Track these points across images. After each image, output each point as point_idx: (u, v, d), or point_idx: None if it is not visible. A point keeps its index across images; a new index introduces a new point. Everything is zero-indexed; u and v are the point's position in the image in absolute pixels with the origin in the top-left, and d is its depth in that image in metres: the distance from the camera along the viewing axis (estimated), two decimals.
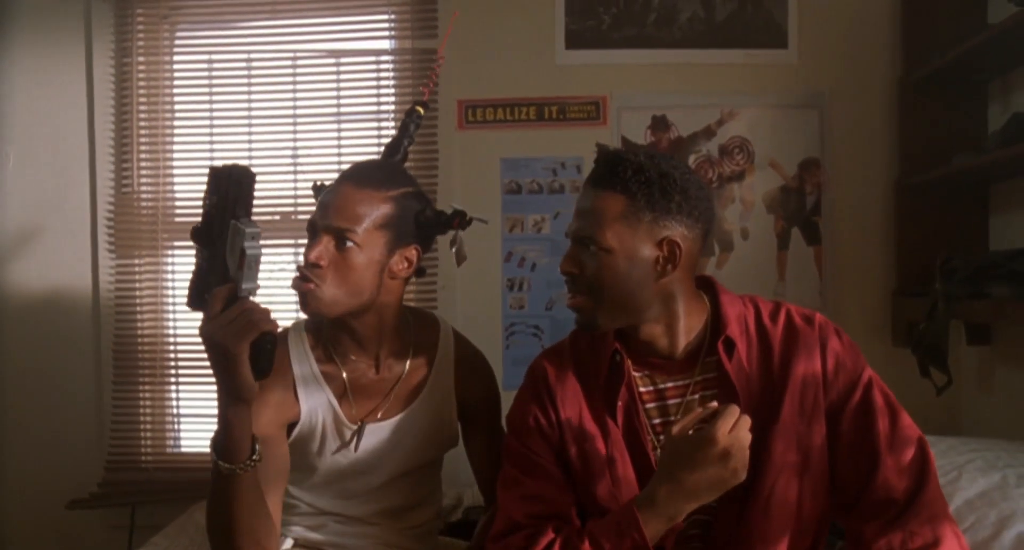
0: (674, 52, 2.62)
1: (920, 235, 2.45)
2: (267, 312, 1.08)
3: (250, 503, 1.20)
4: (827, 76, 2.59)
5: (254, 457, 1.17)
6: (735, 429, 1.08)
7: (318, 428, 1.44)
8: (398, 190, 1.39)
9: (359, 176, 1.39)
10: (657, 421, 1.26)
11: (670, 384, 1.26)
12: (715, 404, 1.12)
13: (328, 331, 1.46)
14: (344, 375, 1.45)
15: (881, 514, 1.15)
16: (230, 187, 1.07)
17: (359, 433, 1.45)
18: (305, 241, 1.40)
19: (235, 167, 1.08)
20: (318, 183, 1.51)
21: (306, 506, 1.52)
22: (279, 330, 1.49)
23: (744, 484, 1.15)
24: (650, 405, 1.26)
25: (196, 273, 1.11)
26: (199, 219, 1.12)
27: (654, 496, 1.12)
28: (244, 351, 1.07)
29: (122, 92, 2.74)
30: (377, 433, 1.46)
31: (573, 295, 1.25)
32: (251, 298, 1.07)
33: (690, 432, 1.11)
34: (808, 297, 2.58)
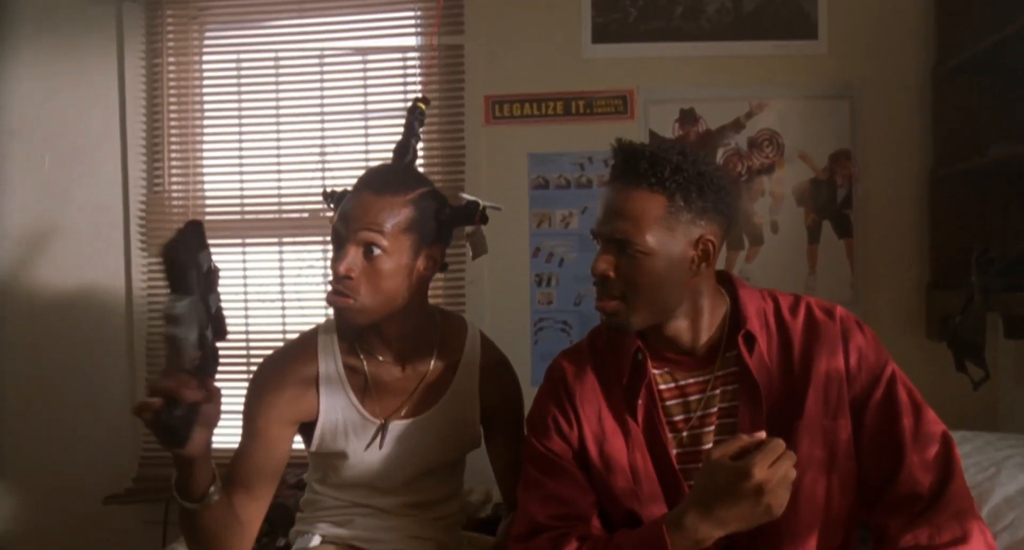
0: (701, 44, 2.60)
1: (955, 227, 2.41)
2: (164, 389, 1.04)
3: (219, 528, 1.27)
4: (858, 66, 2.55)
5: (211, 495, 1.22)
6: (776, 465, 1.03)
7: (339, 426, 1.46)
8: (416, 192, 1.41)
9: (377, 183, 1.40)
10: (679, 418, 1.26)
11: (691, 380, 1.26)
12: (762, 434, 1.07)
13: (352, 331, 1.48)
14: (368, 371, 1.47)
15: (906, 509, 1.14)
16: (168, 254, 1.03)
17: (383, 431, 1.47)
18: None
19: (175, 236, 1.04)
20: (328, 190, 1.54)
21: (332, 500, 1.54)
22: (303, 332, 1.51)
23: None
24: (671, 402, 1.26)
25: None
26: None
27: (682, 520, 1.09)
28: (149, 421, 1.06)
29: (153, 93, 2.78)
30: (400, 431, 1.48)
31: (606, 298, 1.23)
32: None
33: (729, 459, 1.06)
34: (839, 291, 2.55)
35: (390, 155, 2.70)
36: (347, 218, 1.37)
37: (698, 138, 2.60)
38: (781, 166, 2.58)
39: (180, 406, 1.06)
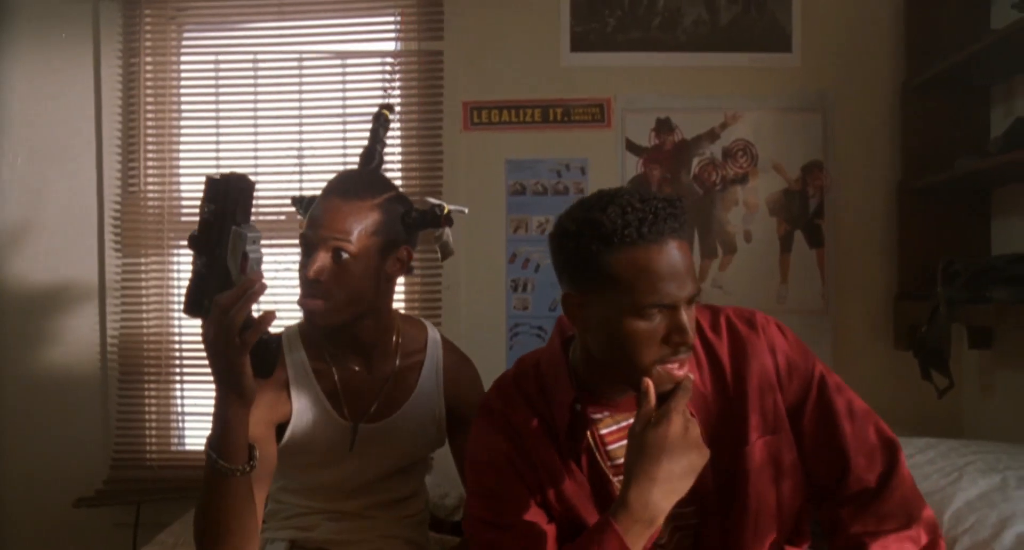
0: (678, 55, 2.64)
1: (922, 239, 2.46)
2: (269, 315, 1.10)
3: (243, 504, 1.23)
4: (830, 79, 2.60)
5: (252, 461, 1.20)
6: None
7: (310, 427, 1.48)
8: (382, 196, 1.44)
9: (344, 188, 1.43)
10: (623, 461, 1.19)
11: (632, 419, 1.18)
12: (649, 382, 1.09)
13: (322, 333, 1.50)
14: (335, 375, 1.50)
15: (855, 500, 1.19)
16: (229, 194, 1.08)
17: (354, 433, 1.49)
18: None
19: (233, 175, 1.09)
20: (296, 195, 1.57)
21: (295, 507, 1.55)
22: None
23: (726, 501, 1.18)
24: (614, 446, 1.21)
25: (194, 280, 1.11)
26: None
27: (627, 499, 1.06)
28: (245, 354, 1.09)
29: (129, 92, 2.76)
30: (369, 433, 1.50)
31: (687, 360, 1.14)
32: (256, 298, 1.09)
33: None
34: (810, 299, 2.59)
35: None
36: (316, 223, 1.39)
37: (674, 147, 2.63)
38: (755, 176, 2.62)
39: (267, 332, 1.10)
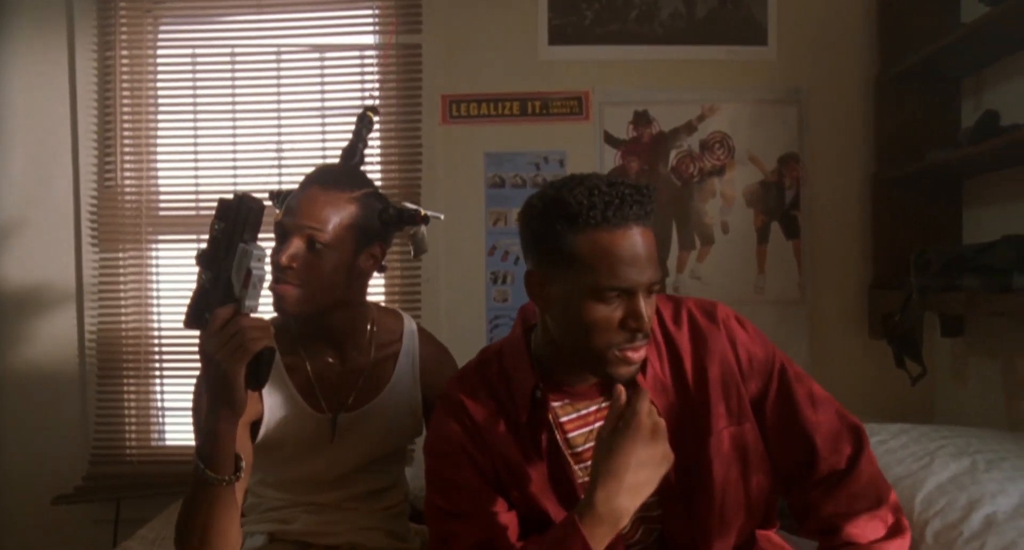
0: (656, 48, 2.65)
1: (896, 229, 2.50)
2: (267, 328, 1.13)
3: (227, 512, 1.23)
4: (805, 72, 2.63)
5: (238, 472, 1.21)
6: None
7: (284, 422, 1.48)
8: (361, 191, 1.45)
9: (324, 179, 1.44)
10: (584, 447, 1.22)
11: (593, 407, 1.24)
12: (620, 387, 1.10)
13: (296, 326, 1.51)
14: (309, 368, 1.50)
15: (824, 483, 1.22)
16: (239, 213, 1.14)
17: (334, 424, 1.50)
18: None
19: (246, 196, 1.15)
20: (274, 190, 1.57)
21: (274, 500, 1.55)
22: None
23: (688, 491, 1.20)
24: (574, 433, 1.23)
25: (197, 293, 1.15)
26: (204, 244, 1.18)
27: (593, 501, 1.06)
28: (242, 366, 1.12)
29: (105, 86, 2.74)
30: (345, 423, 1.51)
31: (643, 346, 1.15)
32: (252, 315, 1.13)
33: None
34: (787, 290, 2.62)
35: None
36: (292, 211, 1.40)
37: (651, 140, 2.65)
38: (732, 168, 2.65)
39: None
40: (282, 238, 1.41)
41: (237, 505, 1.27)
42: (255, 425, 1.48)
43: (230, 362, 1.11)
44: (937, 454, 1.65)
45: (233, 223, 1.13)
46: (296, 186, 1.47)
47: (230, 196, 1.15)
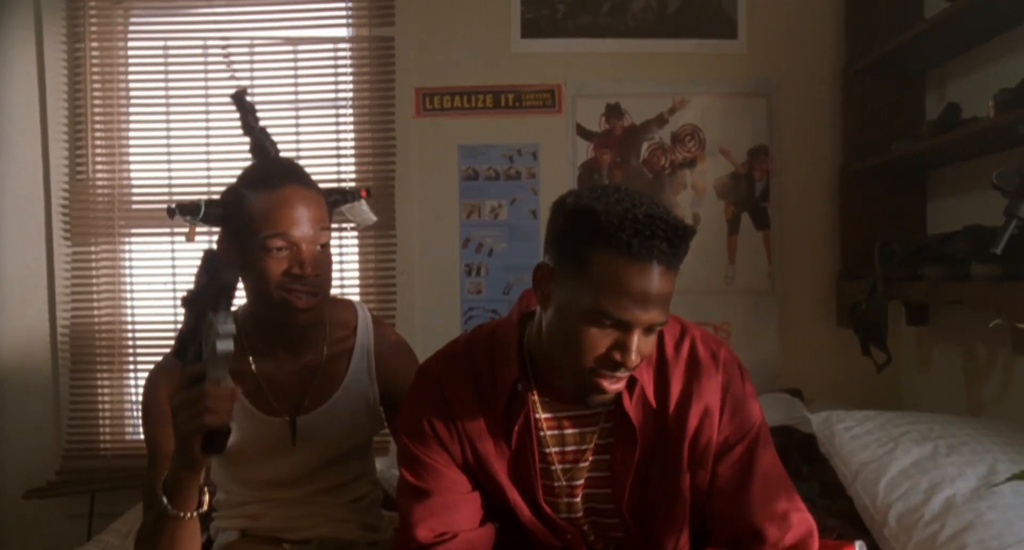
0: (627, 41, 2.68)
1: (863, 220, 2.54)
2: (228, 403, 1.10)
3: (188, 543, 1.23)
4: (775, 65, 2.66)
5: (200, 508, 1.20)
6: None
7: (238, 430, 1.40)
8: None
9: (300, 176, 1.40)
10: (554, 450, 1.22)
11: (571, 412, 1.22)
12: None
13: (252, 326, 1.45)
14: (255, 370, 1.45)
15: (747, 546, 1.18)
16: (221, 274, 1.11)
17: (294, 427, 1.45)
18: None
19: (226, 263, 1.14)
20: (173, 205, 1.46)
21: (242, 496, 1.53)
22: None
23: (652, 516, 1.21)
24: (549, 432, 1.22)
25: (184, 330, 1.15)
26: (190, 290, 1.16)
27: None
28: (196, 437, 1.10)
29: (75, 78, 2.71)
30: (302, 425, 1.46)
31: (622, 380, 1.13)
32: (218, 386, 1.09)
33: None
34: (757, 280, 2.67)
35: (321, 145, 2.73)
36: (294, 219, 1.33)
37: (623, 132, 2.68)
38: (703, 160, 2.68)
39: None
40: (289, 248, 1.34)
41: (198, 537, 1.26)
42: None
43: (185, 428, 1.09)
44: (901, 440, 1.69)
45: (213, 281, 1.11)
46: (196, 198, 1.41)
47: (214, 247, 1.18)
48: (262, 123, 1.61)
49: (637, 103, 2.68)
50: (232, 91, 1.60)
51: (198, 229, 1.48)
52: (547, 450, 1.21)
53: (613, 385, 1.10)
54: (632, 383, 1.16)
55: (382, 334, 1.56)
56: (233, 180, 1.45)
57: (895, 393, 2.58)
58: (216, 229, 1.45)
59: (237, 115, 1.59)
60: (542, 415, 1.22)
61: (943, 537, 1.41)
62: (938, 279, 1.93)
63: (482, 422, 1.22)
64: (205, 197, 1.44)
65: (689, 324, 1.26)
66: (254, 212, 1.34)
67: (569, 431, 1.22)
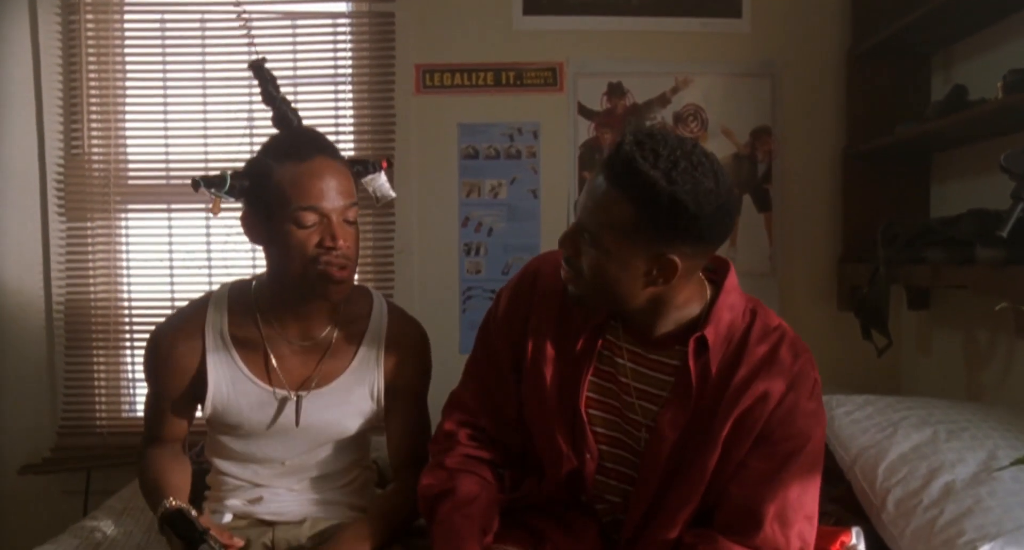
0: (630, 19, 2.64)
1: (865, 202, 2.52)
2: None
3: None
4: (779, 46, 2.63)
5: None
6: None
7: (232, 397, 1.44)
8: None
9: (328, 147, 1.39)
10: (607, 368, 1.27)
11: (637, 349, 1.25)
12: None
13: (267, 297, 1.45)
14: (266, 344, 1.44)
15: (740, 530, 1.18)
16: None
17: (298, 405, 1.44)
18: None
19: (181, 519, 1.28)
20: (198, 177, 1.42)
21: (236, 480, 1.52)
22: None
23: (666, 482, 1.22)
24: (605, 351, 1.27)
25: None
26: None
27: None
28: None
29: (70, 50, 2.67)
30: (308, 403, 1.45)
31: (566, 272, 1.20)
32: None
33: None
34: (758, 262, 2.65)
35: (320, 122, 2.69)
36: (326, 190, 1.32)
37: (625, 111, 2.65)
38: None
39: None
40: (321, 221, 1.33)
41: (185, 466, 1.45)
42: (198, 399, 1.46)
43: None
44: (900, 424, 1.68)
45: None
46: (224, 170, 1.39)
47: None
48: (260, 98, 1.56)
49: (639, 82, 2.65)
50: (231, 62, 1.55)
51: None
52: (603, 367, 1.27)
53: (562, 273, 1.23)
54: (702, 348, 1.19)
55: (397, 321, 1.53)
56: (228, 154, 1.43)
57: (895, 377, 2.58)
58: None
59: (236, 89, 1.54)
60: (610, 336, 1.27)
61: (941, 522, 1.40)
62: (941, 263, 1.92)
63: (555, 322, 1.29)
64: (200, 172, 1.41)
65: (787, 326, 1.27)
66: (283, 184, 1.32)
67: (630, 365, 1.26)
